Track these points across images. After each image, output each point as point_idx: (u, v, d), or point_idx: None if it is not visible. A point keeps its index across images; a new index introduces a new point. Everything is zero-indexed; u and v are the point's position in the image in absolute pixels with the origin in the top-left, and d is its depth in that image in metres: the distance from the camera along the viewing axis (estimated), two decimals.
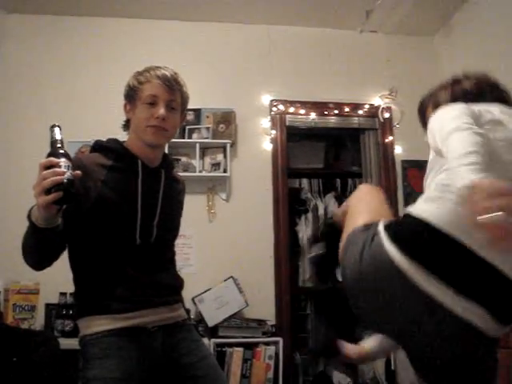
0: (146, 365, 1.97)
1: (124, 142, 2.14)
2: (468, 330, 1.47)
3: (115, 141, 2.13)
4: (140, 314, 2.00)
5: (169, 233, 2.21)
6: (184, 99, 2.15)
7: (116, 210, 2.00)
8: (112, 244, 2.01)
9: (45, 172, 1.62)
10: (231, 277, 4.35)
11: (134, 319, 1.98)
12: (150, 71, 2.08)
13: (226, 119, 4.80)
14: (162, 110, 2.02)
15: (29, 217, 1.75)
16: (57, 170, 1.63)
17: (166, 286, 2.14)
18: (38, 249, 1.85)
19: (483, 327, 1.46)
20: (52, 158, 1.67)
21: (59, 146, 1.74)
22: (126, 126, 2.18)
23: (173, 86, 2.06)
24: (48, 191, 1.61)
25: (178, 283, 2.23)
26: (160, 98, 2.04)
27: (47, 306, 4.14)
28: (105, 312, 1.96)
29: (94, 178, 1.97)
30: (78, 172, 1.71)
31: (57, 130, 1.79)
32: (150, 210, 2.08)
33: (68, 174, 1.64)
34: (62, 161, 1.67)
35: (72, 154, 1.79)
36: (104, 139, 2.15)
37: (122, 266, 2.01)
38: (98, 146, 2.11)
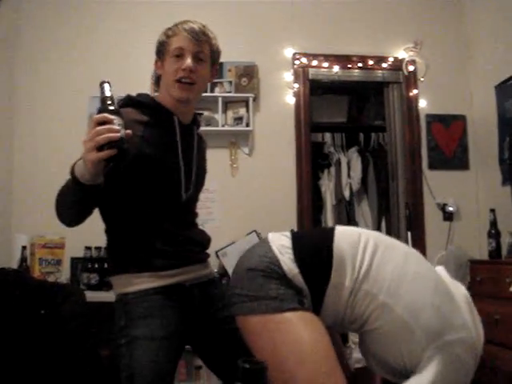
0: (186, 322, 2.01)
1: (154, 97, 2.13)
2: None
3: (148, 96, 2.13)
4: (181, 271, 2.03)
5: (200, 189, 2.24)
6: (214, 51, 2.14)
7: (160, 166, 2.00)
8: (157, 200, 2.01)
9: (100, 128, 1.58)
10: (254, 231, 4.37)
11: (175, 277, 2.01)
12: (178, 25, 2.07)
13: (249, 73, 4.75)
14: (188, 61, 2.01)
15: (72, 173, 1.70)
16: (112, 127, 1.59)
17: (199, 242, 2.17)
18: (78, 205, 1.80)
19: None
20: (106, 115, 1.62)
21: (109, 102, 1.68)
22: (157, 82, 2.19)
23: (199, 38, 2.05)
24: (100, 148, 1.57)
25: (206, 240, 2.25)
26: (186, 49, 2.03)
27: (73, 259, 4.19)
28: (147, 269, 1.98)
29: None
30: (130, 131, 1.67)
31: (106, 86, 1.73)
32: (189, 166, 2.10)
33: (122, 132, 1.60)
34: (116, 118, 1.62)
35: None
36: (134, 94, 2.11)
37: (162, 221, 2.02)
38: (131, 101, 2.07)
